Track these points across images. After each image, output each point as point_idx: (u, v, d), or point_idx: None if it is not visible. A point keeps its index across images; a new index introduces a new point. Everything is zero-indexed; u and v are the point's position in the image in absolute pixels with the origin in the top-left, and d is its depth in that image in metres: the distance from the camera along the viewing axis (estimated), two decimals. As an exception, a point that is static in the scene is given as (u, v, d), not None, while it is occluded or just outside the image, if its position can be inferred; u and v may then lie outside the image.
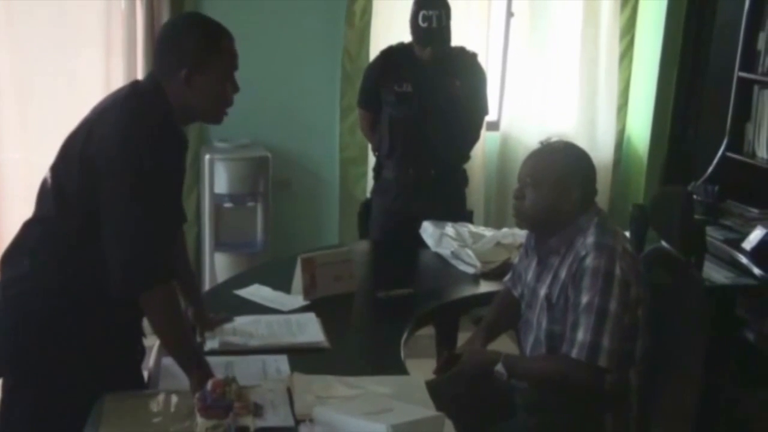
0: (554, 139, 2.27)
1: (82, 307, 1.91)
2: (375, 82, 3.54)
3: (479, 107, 3.61)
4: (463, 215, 3.57)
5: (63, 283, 1.91)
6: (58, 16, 3.91)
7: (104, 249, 1.84)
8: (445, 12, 3.33)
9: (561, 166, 2.16)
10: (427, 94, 3.42)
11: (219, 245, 4.09)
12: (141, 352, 2.11)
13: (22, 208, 2.04)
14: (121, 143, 1.83)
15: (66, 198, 1.91)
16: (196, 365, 1.92)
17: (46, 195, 1.96)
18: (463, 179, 3.67)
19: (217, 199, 4.03)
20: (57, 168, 1.95)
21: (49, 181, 1.95)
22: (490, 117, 4.18)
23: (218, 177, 4.00)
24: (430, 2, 3.33)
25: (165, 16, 3.90)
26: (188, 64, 1.89)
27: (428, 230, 3.21)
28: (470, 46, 3.63)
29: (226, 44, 1.94)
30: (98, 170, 1.84)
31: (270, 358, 2.16)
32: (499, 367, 2.16)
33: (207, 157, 4.01)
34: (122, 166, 1.82)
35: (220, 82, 1.94)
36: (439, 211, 3.35)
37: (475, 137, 3.69)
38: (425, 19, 3.30)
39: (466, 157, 3.67)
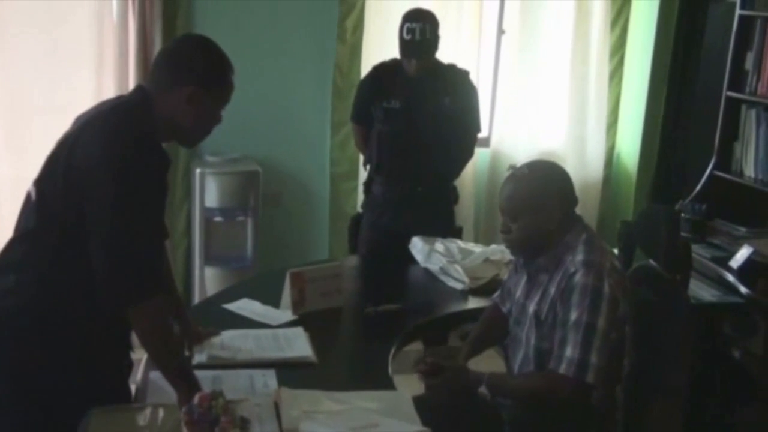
0: (519, 164, 2.26)
1: (69, 321, 1.91)
2: (367, 98, 3.56)
3: (472, 125, 3.62)
4: (452, 231, 3.58)
5: (49, 297, 1.90)
6: (49, 31, 3.90)
7: (92, 262, 1.84)
8: (429, 26, 3.36)
9: (532, 193, 2.17)
10: (416, 110, 3.44)
11: (209, 259, 4.08)
12: (129, 366, 2.11)
13: (12, 223, 2.03)
14: (106, 156, 1.83)
15: (50, 211, 1.91)
16: (183, 379, 1.93)
17: (30, 210, 1.95)
18: (453, 195, 3.68)
19: (207, 213, 4.03)
20: (41, 181, 1.95)
21: (33, 195, 1.95)
22: (481, 133, 4.20)
23: (209, 191, 4.00)
24: (415, 16, 3.38)
25: (157, 31, 3.91)
26: (196, 83, 1.93)
27: (417, 246, 3.21)
28: (461, 63, 3.65)
29: (231, 78, 2.01)
30: (83, 182, 1.84)
31: (258, 373, 2.16)
32: (483, 389, 2.17)
33: (197, 170, 4.01)
34: (107, 179, 1.82)
35: (213, 110, 1.99)
36: (428, 227, 3.35)
37: (469, 155, 3.71)
38: (409, 31, 3.34)
39: (457, 174, 3.68)
